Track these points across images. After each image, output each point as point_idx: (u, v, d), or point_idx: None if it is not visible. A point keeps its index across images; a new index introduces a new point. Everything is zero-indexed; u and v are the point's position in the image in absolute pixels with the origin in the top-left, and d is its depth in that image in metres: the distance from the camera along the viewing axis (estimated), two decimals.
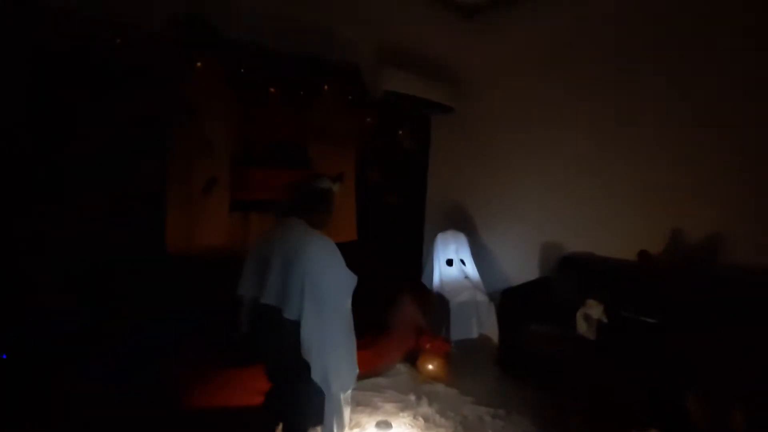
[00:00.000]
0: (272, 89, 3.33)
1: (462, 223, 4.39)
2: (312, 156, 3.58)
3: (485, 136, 4.32)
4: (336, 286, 1.86)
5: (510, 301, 3.38)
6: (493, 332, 3.74)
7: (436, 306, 3.74)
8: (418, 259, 4.55)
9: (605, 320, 2.88)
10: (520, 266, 4.06)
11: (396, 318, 3.24)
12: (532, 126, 4.00)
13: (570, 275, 3.46)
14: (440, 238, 4.11)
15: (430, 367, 3.20)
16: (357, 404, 2.74)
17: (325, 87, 3.60)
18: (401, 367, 3.25)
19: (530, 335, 3.17)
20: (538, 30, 3.84)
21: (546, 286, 3.49)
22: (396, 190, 4.13)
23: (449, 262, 4.06)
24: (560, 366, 2.96)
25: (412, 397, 2.89)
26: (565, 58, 3.73)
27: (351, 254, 2.03)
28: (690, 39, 3.06)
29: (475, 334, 3.72)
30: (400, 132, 4.13)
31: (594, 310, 2.90)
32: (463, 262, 4.06)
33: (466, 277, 3.94)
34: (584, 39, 3.60)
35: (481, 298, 3.78)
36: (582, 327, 2.91)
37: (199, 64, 2.94)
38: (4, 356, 2.29)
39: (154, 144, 2.85)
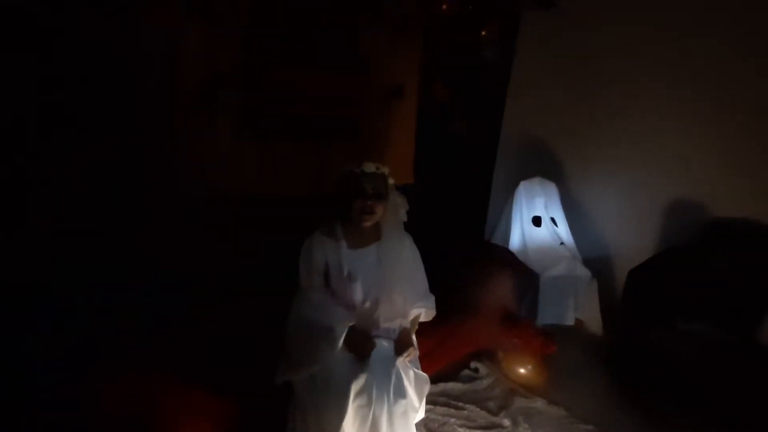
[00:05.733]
0: None
1: (548, 167, 3.25)
2: (363, 50, 2.39)
3: (595, 45, 3.05)
4: None
5: (643, 285, 2.34)
6: (593, 318, 2.75)
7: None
8: (482, 212, 3.47)
9: None
10: (631, 232, 2.99)
11: (475, 296, 2.24)
12: (663, 31, 2.73)
13: (725, 251, 2.39)
14: (524, 188, 3.01)
15: (522, 371, 2.24)
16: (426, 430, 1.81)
17: None
18: (479, 368, 2.28)
19: (674, 338, 2.16)
20: None
21: (692, 264, 2.41)
22: (467, 116, 2.95)
23: (536, 221, 2.99)
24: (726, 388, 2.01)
25: (506, 422, 1.94)
26: None
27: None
28: None
29: (571, 320, 2.74)
30: (483, 33, 2.88)
31: None
32: (554, 221, 2.99)
33: (562, 243, 2.89)
34: None
35: (583, 272, 2.76)
36: None
37: None
38: None
39: None
